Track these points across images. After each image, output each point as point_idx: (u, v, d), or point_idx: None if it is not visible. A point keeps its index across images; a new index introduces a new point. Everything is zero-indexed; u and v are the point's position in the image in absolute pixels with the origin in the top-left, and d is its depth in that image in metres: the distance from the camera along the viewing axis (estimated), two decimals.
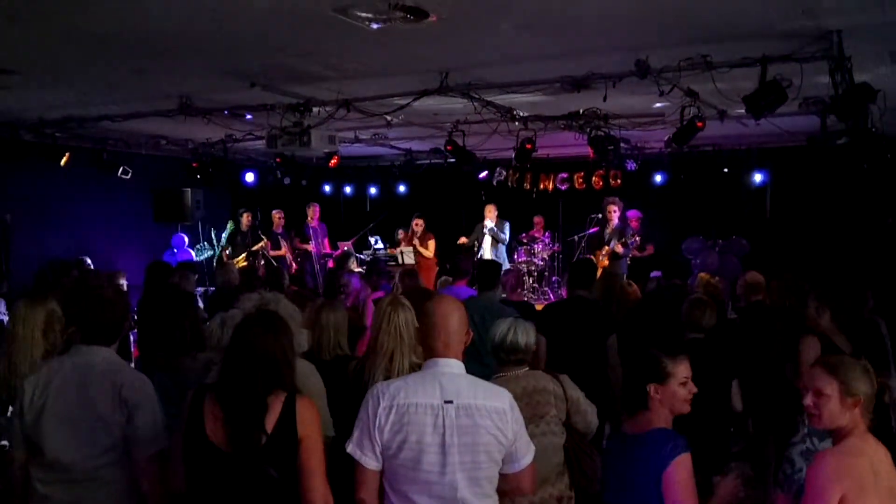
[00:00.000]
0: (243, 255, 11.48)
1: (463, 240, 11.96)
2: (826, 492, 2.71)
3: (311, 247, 12.35)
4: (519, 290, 6.94)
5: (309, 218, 12.49)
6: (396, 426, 2.74)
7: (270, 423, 2.77)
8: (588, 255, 10.66)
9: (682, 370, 3.18)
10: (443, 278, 8.72)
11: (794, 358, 4.68)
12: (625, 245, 10.46)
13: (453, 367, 2.86)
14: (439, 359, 2.86)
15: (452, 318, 2.90)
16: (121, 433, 3.15)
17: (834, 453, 2.88)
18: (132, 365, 5.69)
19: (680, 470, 2.96)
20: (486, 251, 11.64)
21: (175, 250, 12.11)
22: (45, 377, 3.22)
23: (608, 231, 10.77)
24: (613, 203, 10.80)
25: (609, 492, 3.24)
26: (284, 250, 12.08)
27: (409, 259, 11.54)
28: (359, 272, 9.30)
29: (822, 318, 4.78)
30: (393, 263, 11.32)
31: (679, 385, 3.17)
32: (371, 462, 2.78)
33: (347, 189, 14.35)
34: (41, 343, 4.06)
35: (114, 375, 3.19)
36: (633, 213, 11.22)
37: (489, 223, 11.72)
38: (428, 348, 2.92)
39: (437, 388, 2.78)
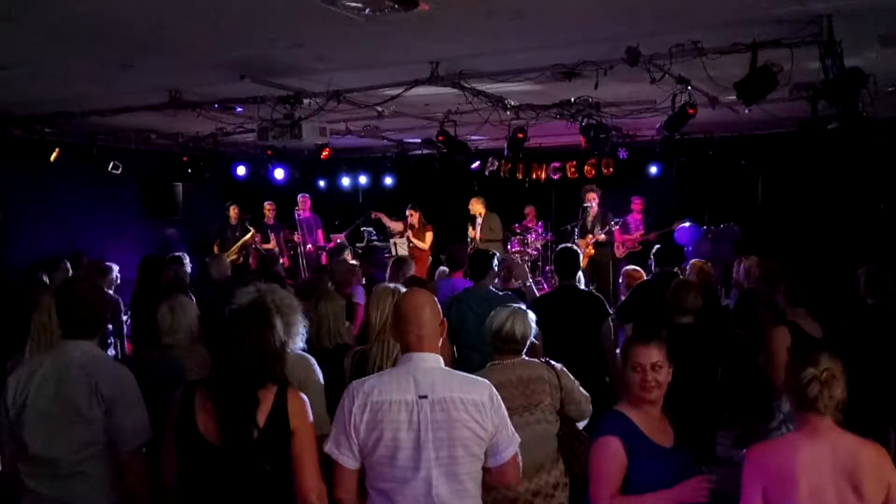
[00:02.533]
0: (235, 248, 11.45)
1: (474, 233, 11.76)
2: (748, 484, 2.76)
3: (297, 237, 12.27)
4: (512, 279, 6.95)
5: (299, 208, 12.45)
6: (371, 424, 2.72)
7: (262, 416, 2.76)
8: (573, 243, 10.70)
9: (637, 356, 3.15)
10: (440, 269, 8.72)
11: (766, 347, 4.70)
12: (608, 233, 10.49)
13: (428, 360, 2.82)
14: (413, 353, 2.83)
15: (424, 311, 2.85)
16: (101, 428, 3.15)
17: (759, 446, 2.92)
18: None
19: (596, 450, 3.07)
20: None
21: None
22: (28, 373, 3.24)
23: (590, 219, 10.78)
24: (592, 191, 10.80)
25: None
26: (273, 244, 12.03)
27: (403, 250, 11.51)
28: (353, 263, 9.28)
29: (793, 309, 4.80)
30: (388, 255, 11.30)
31: (630, 369, 3.16)
32: (348, 461, 2.77)
33: (340, 181, 14.30)
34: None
35: (90, 370, 3.20)
36: (636, 199, 11.27)
37: (478, 221, 11.61)
38: (403, 343, 2.89)
39: (411, 383, 2.75)
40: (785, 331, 4.61)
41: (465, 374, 2.94)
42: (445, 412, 2.72)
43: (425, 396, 2.72)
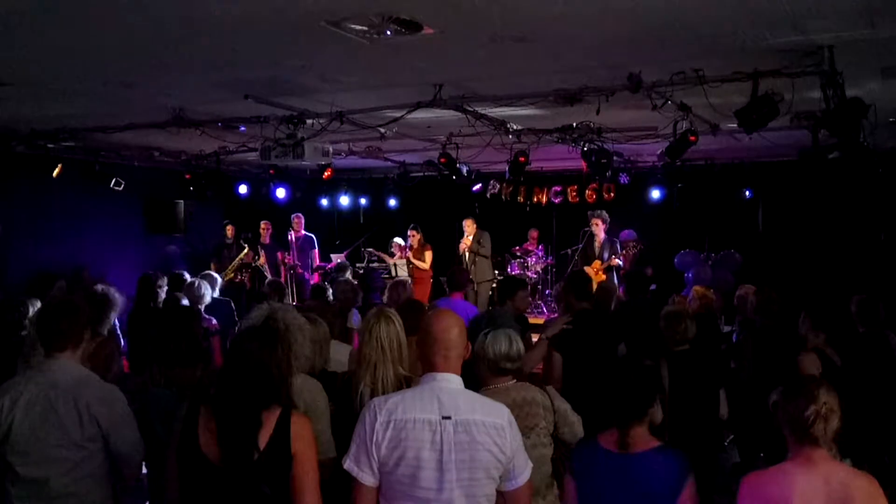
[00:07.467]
0: (232, 267, 11.44)
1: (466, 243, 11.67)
2: None
3: (287, 258, 12.27)
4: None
5: (294, 229, 12.46)
6: (394, 442, 2.71)
7: (264, 438, 2.74)
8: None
9: None
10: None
11: (795, 374, 4.72)
12: (619, 257, 10.46)
13: (452, 381, 2.83)
14: (437, 373, 2.83)
15: (452, 333, 2.86)
16: (94, 449, 3.14)
17: (754, 475, 2.91)
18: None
19: (694, 489, 2.99)
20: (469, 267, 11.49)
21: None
22: (13, 394, 3.18)
23: (597, 245, 10.76)
24: (598, 217, 10.77)
25: None
26: (263, 260, 12.02)
27: (403, 272, 11.52)
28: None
29: (816, 335, 4.84)
30: (387, 276, 11.29)
31: None
32: (368, 478, 2.75)
33: (341, 201, 14.34)
34: None
35: (77, 391, 3.17)
36: (626, 234, 11.24)
37: (468, 238, 11.57)
38: (427, 362, 2.88)
39: (435, 403, 2.75)
40: (815, 357, 4.66)
41: (484, 397, 2.94)
42: (468, 434, 2.72)
43: (449, 417, 2.72)
